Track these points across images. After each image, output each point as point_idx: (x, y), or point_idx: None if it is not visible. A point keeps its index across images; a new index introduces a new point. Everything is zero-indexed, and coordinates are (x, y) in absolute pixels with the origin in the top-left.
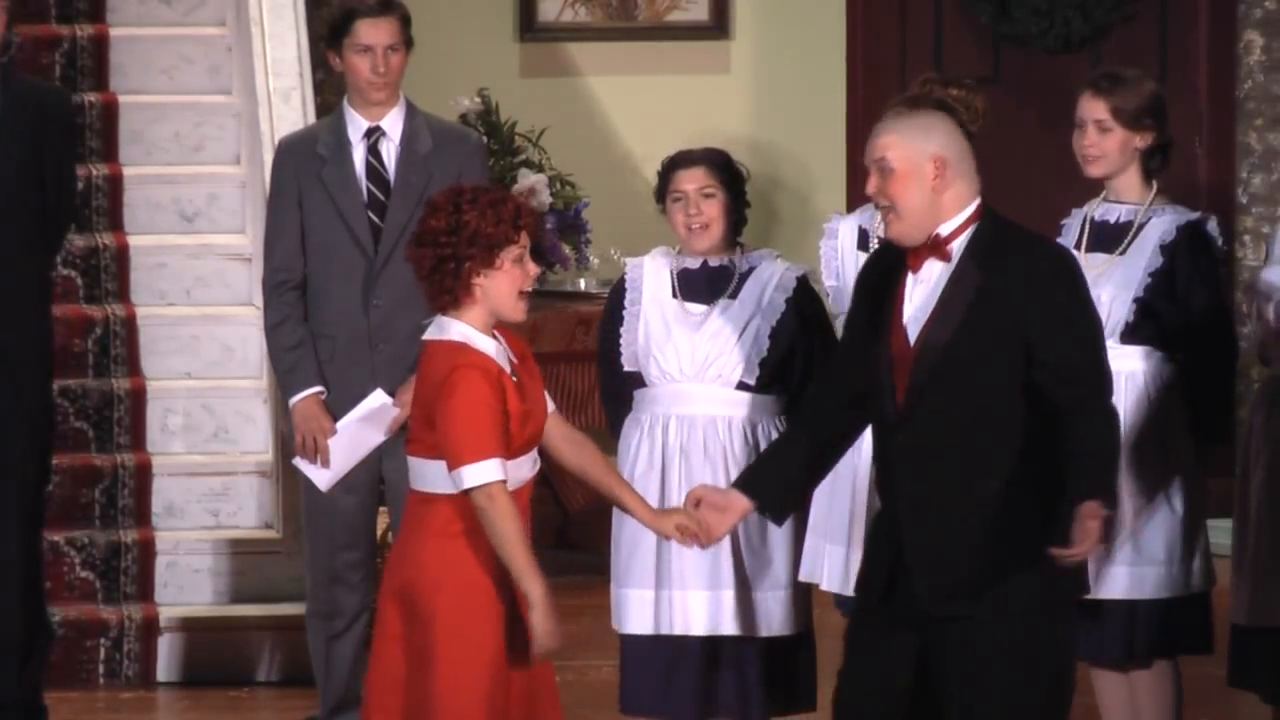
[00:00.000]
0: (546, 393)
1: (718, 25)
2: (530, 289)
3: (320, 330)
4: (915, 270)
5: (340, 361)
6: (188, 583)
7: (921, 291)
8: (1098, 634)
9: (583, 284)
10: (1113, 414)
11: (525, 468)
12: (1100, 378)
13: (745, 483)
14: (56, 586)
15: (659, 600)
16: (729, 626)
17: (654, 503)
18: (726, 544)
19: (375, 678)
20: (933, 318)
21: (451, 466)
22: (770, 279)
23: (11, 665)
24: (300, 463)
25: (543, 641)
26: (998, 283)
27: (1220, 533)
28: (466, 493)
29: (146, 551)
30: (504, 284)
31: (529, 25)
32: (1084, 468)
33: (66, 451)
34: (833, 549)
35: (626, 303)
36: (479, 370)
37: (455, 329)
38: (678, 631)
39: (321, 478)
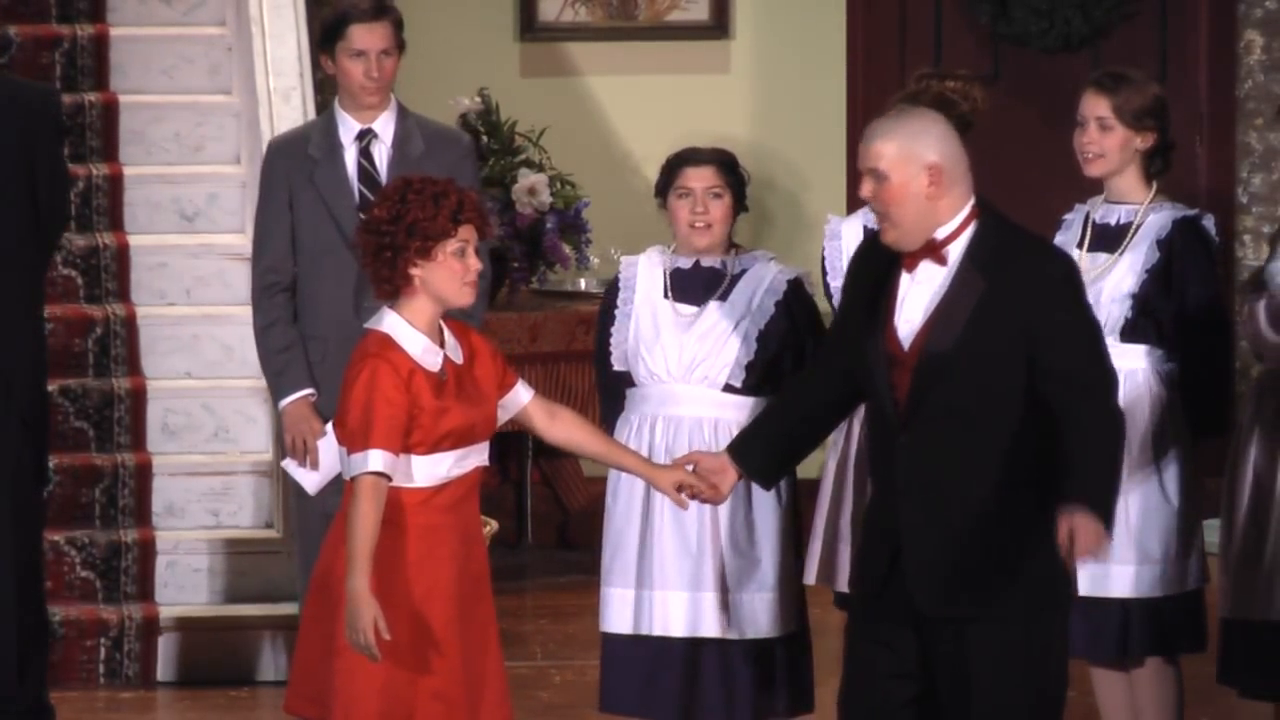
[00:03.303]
0: (522, 383)
1: (718, 25)
2: (473, 280)
3: (311, 332)
4: (910, 270)
5: (331, 364)
6: (188, 582)
7: (918, 294)
8: (1094, 632)
9: (583, 284)
10: (1115, 419)
11: (444, 465)
12: (1104, 382)
13: (732, 446)
14: (57, 586)
15: (639, 600)
16: (709, 628)
17: (639, 504)
18: (709, 545)
19: (295, 661)
20: (932, 323)
21: (346, 453)
22: (762, 281)
23: (10, 666)
24: (289, 465)
25: (347, 635)
26: (1001, 290)
27: (1215, 531)
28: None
29: (146, 551)
30: (441, 276)
31: (529, 25)
32: (1077, 471)
33: (67, 451)
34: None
35: (619, 302)
36: (386, 364)
37: (387, 320)
38: (657, 632)
39: (310, 480)
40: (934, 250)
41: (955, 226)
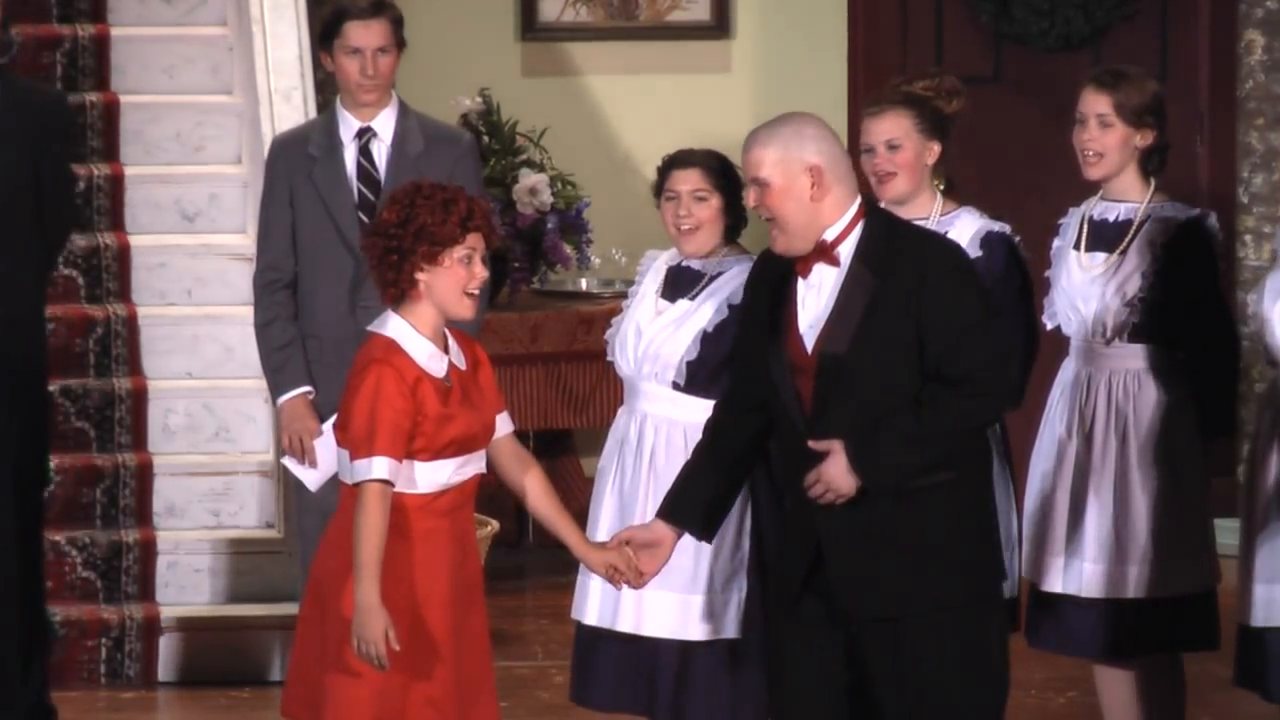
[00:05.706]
0: (506, 414)
1: (718, 25)
2: (477, 290)
3: (308, 330)
4: (805, 276)
5: (328, 362)
6: (189, 582)
7: (814, 298)
8: (1099, 631)
9: (584, 284)
10: (968, 413)
11: (445, 471)
12: (989, 379)
13: (668, 511)
14: (57, 586)
15: (605, 592)
16: (695, 631)
17: (608, 494)
18: (693, 544)
19: (291, 664)
20: (828, 327)
21: (349, 459)
22: (731, 283)
23: (12, 667)
24: (289, 462)
25: (356, 647)
26: (889, 286)
27: (1225, 532)
28: (354, 485)
29: (147, 551)
30: (447, 282)
31: (530, 25)
32: (878, 431)
33: (68, 451)
34: None
35: (629, 294)
36: (392, 369)
37: (391, 325)
38: (621, 628)
39: (310, 477)
40: (825, 252)
41: (844, 226)
